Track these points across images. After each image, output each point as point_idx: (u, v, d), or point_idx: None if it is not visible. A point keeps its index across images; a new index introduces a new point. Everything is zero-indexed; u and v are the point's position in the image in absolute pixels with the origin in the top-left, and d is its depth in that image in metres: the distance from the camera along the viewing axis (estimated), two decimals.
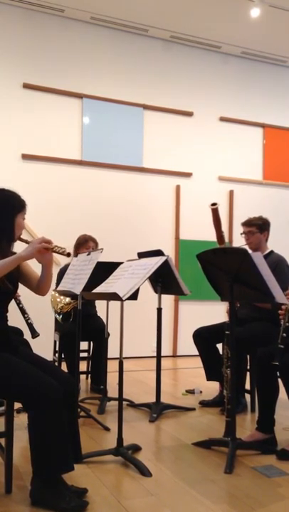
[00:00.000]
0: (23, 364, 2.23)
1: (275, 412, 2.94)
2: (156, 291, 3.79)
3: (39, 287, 2.54)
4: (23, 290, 3.42)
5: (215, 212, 3.65)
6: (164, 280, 3.70)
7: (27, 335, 3.61)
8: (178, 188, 6.54)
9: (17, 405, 2.65)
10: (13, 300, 3.53)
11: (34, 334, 3.59)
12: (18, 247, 2.51)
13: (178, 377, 5.18)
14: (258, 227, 3.75)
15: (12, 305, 3.42)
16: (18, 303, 3.65)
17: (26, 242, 2.44)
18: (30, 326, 3.63)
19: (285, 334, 2.76)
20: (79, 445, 2.35)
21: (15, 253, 2.51)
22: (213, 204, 3.64)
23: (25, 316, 3.65)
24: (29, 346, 3.24)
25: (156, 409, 3.58)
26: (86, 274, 3.10)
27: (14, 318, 3.32)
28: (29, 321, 3.64)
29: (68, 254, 2.46)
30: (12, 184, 2.51)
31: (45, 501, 2.10)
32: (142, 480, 2.43)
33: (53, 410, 2.11)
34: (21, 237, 2.51)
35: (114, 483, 2.40)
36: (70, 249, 4.05)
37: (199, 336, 3.90)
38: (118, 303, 2.61)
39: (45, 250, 2.36)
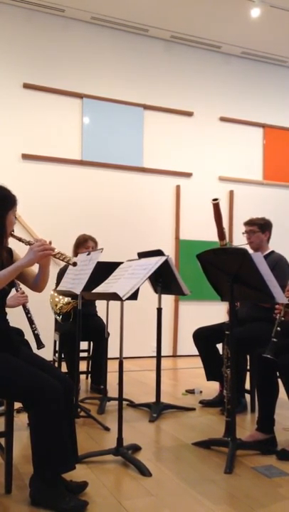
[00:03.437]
0: (23, 364, 2.22)
1: (275, 412, 2.95)
2: (156, 291, 3.79)
3: (36, 285, 2.51)
4: (27, 292, 3.43)
5: (216, 208, 3.66)
6: (164, 280, 3.70)
7: (30, 338, 3.60)
8: (178, 188, 6.54)
9: (17, 405, 2.65)
10: (21, 308, 3.54)
11: (40, 346, 3.56)
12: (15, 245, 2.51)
13: (178, 377, 5.18)
14: (259, 226, 3.76)
15: (19, 313, 3.45)
16: (27, 312, 3.61)
17: (20, 239, 2.38)
18: (37, 337, 3.60)
19: (279, 328, 2.78)
20: (76, 446, 2.34)
21: (10, 249, 2.51)
22: (215, 199, 3.66)
23: (33, 326, 3.61)
24: (29, 346, 3.24)
25: (156, 409, 3.58)
26: (86, 274, 3.10)
27: (21, 325, 3.34)
28: (36, 331, 3.61)
29: (74, 264, 2.45)
30: (12, 184, 2.49)
31: (45, 501, 2.10)
32: (141, 480, 2.43)
33: (54, 410, 2.11)
34: (15, 234, 2.42)
35: (114, 483, 2.40)
36: (69, 252, 4.07)
37: (199, 336, 3.90)
38: (118, 303, 2.60)
39: (45, 256, 2.32)
